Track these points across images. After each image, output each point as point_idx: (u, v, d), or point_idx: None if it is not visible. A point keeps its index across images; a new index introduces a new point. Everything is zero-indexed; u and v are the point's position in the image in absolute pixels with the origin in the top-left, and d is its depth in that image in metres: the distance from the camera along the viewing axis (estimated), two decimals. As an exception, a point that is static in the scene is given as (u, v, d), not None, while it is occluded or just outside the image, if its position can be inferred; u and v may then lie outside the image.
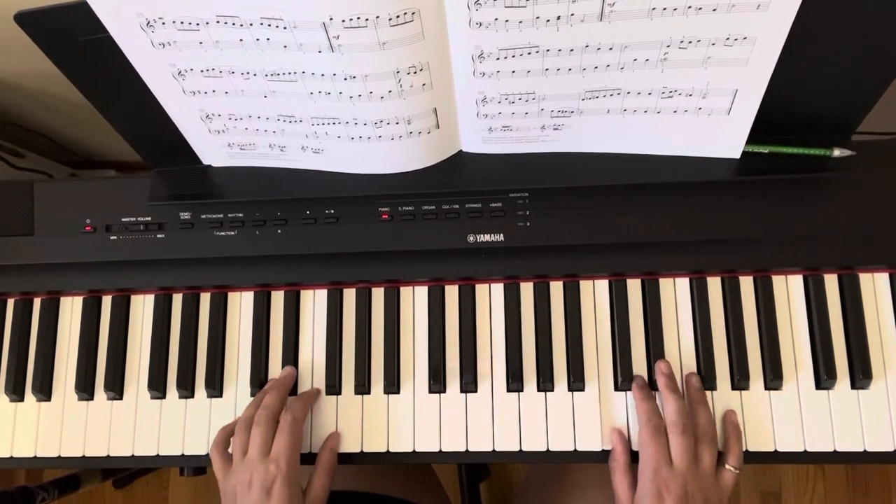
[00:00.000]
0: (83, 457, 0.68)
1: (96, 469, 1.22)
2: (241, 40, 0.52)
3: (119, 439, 0.67)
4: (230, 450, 0.63)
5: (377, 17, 0.49)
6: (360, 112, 0.58)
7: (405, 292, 0.68)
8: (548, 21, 0.50)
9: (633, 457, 0.61)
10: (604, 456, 0.62)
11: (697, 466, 0.57)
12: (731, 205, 0.63)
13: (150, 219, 0.68)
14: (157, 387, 0.67)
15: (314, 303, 0.68)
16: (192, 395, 0.68)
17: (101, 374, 0.68)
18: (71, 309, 0.71)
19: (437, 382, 0.65)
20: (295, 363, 0.67)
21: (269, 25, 0.50)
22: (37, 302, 0.71)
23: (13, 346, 0.70)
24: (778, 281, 0.65)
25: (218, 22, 0.51)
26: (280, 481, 0.57)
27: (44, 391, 0.69)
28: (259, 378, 0.67)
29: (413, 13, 0.49)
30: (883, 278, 0.64)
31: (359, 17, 0.49)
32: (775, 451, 0.61)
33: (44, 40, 0.55)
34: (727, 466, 0.59)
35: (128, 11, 0.51)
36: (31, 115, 1.00)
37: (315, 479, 0.61)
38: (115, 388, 0.68)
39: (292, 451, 0.59)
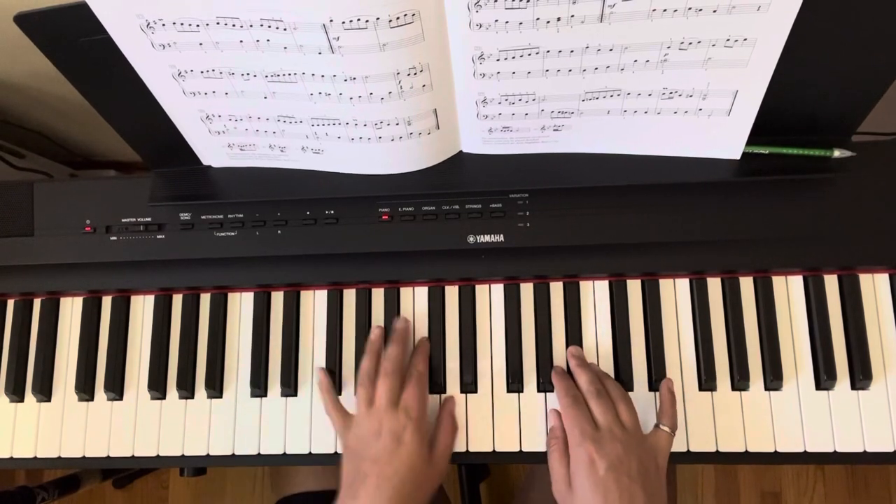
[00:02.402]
0: (83, 457, 0.68)
1: (96, 469, 1.22)
2: (241, 42, 0.52)
3: (119, 440, 0.67)
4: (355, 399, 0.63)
5: (377, 18, 0.49)
6: (361, 113, 0.58)
7: (405, 293, 0.68)
8: (548, 22, 0.50)
9: None
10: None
11: (623, 427, 0.58)
12: (732, 205, 0.63)
13: (150, 219, 0.68)
14: (157, 387, 0.67)
15: (314, 303, 0.68)
16: (192, 396, 0.68)
17: (101, 375, 0.68)
18: (71, 309, 0.71)
19: (436, 383, 0.65)
20: (295, 363, 0.67)
21: (269, 27, 0.50)
22: (37, 302, 0.71)
23: (13, 346, 0.70)
24: (778, 281, 0.65)
25: (218, 23, 0.51)
26: (411, 429, 0.59)
27: (44, 392, 0.69)
28: (259, 378, 0.67)
29: (413, 14, 0.49)
30: (883, 278, 0.64)
31: (359, 19, 0.49)
32: (775, 451, 0.62)
33: (43, 41, 0.55)
34: (661, 426, 0.60)
35: (128, 12, 0.51)
36: (31, 115, 1.00)
37: (440, 435, 0.62)
38: (115, 388, 0.68)
39: (422, 402, 0.61)
